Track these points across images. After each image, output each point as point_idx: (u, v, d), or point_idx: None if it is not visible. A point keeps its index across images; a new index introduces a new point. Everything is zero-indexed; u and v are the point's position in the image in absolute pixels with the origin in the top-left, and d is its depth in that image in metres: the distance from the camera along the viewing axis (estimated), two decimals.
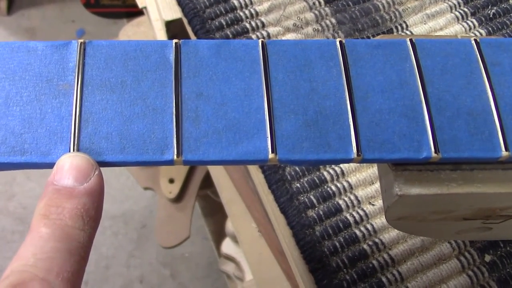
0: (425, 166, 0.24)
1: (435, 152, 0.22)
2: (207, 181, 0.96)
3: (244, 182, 0.56)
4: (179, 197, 0.97)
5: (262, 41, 0.24)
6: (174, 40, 0.23)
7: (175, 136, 0.22)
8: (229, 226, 0.68)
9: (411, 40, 0.24)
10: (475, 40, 0.25)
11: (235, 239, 0.68)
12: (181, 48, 0.23)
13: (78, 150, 0.21)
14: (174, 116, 0.22)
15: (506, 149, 0.23)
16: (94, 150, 0.21)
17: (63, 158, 0.21)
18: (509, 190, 0.24)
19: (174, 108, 0.22)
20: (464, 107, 0.23)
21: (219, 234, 0.95)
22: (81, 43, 0.23)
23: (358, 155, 0.22)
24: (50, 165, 0.21)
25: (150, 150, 0.21)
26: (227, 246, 0.74)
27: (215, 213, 1.01)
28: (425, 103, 0.23)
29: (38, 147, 0.21)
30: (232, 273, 0.74)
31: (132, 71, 0.22)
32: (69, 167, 0.21)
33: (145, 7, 0.61)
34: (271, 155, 0.22)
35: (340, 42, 0.24)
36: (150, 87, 0.22)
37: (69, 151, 0.21)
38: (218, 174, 0.60)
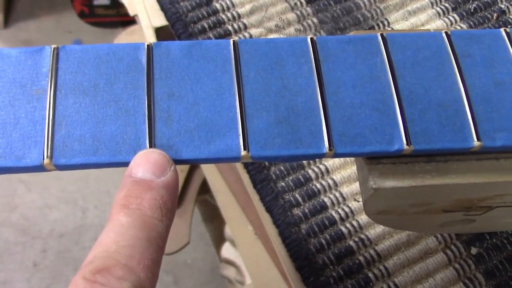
0: (399, 159, 0.24)
1: (407, 144, 0.22)
2: (206, 186, 0.96)
3: (239, 184, 0.56)
4: (177, 203, 0.97)
5: (233, 40, 0.24)
6: (146, 42, 0.23)
7: (147, 136, 0.22)
8: (228, 230, 0.68)
9: (382, 35, 0.25)
10: (446, 32, 0.25)
11: (234, 243, 0.68)
12: (153, 50, 0.23)
13: (52, 152, 0.21)
14: (146, 117, 0.22)
15: (478, 139, 0.23)
16: (67, 153, 0.21)
17: (140, 154, 0.22)
18: (483, 180, 0.24)
19: (146, 109, 0.22)
20: (435, 99, 0.23)
21: (219, 239, 0.95)
22: (54, 48, 0.23)
23: (330, 149, 0.22)
24: (25, 169, 0.21)
25: (123, 151, 0.22)
26: (227, 250, 0.74)
27: (215, 218, 1.01)
28: (396, 97, 0.23)
29: (12, 152, 0.21)
30: (234, 278, 0.74)
31: (105, 74, 0.23)
32: (146, 161, 0.21)
33: (136, 15, 0.62)
34: (243, 152, 0.22)
35: (311, 39, 0.24)
36: (122, 89, 0.23)
37: (43, 155, 0.21)
38: (213, 178, 0.60)
